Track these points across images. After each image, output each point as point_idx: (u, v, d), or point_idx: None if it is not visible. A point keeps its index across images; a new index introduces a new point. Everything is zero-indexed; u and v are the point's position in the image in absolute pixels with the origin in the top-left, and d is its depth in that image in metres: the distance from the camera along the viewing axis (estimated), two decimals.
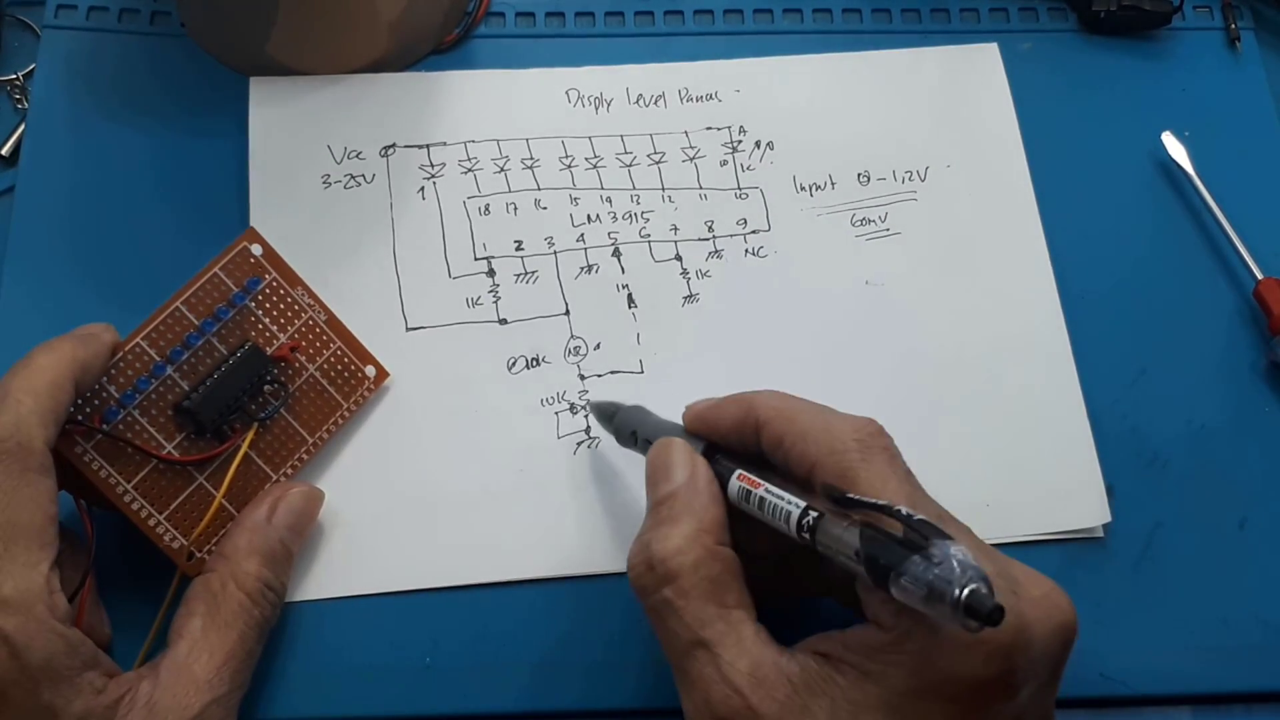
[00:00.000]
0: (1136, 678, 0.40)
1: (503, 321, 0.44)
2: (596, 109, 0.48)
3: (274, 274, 0.41)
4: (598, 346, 0.44)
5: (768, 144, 0.48)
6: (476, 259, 0.45)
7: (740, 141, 0.48)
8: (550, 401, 0.43)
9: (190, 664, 0.34)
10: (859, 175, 0.48)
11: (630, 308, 0.45)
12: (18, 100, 0.47)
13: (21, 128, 0.46)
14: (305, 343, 0.41)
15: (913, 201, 0.47)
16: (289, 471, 0.40)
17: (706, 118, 0.48)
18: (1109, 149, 0.49)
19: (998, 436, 0.43)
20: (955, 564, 0.27)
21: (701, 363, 0.44)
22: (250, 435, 0.39)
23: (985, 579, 0.27)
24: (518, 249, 0.45)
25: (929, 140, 0.49)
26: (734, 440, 0.36)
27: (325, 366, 0.41)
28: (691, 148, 0.48)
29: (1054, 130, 0.49)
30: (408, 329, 0.43)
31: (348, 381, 0.41)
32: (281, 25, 0.45)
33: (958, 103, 0.49)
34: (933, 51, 0.50)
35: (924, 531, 0.28)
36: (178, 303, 0.39)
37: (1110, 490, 0.43)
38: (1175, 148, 0.49)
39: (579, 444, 0.42)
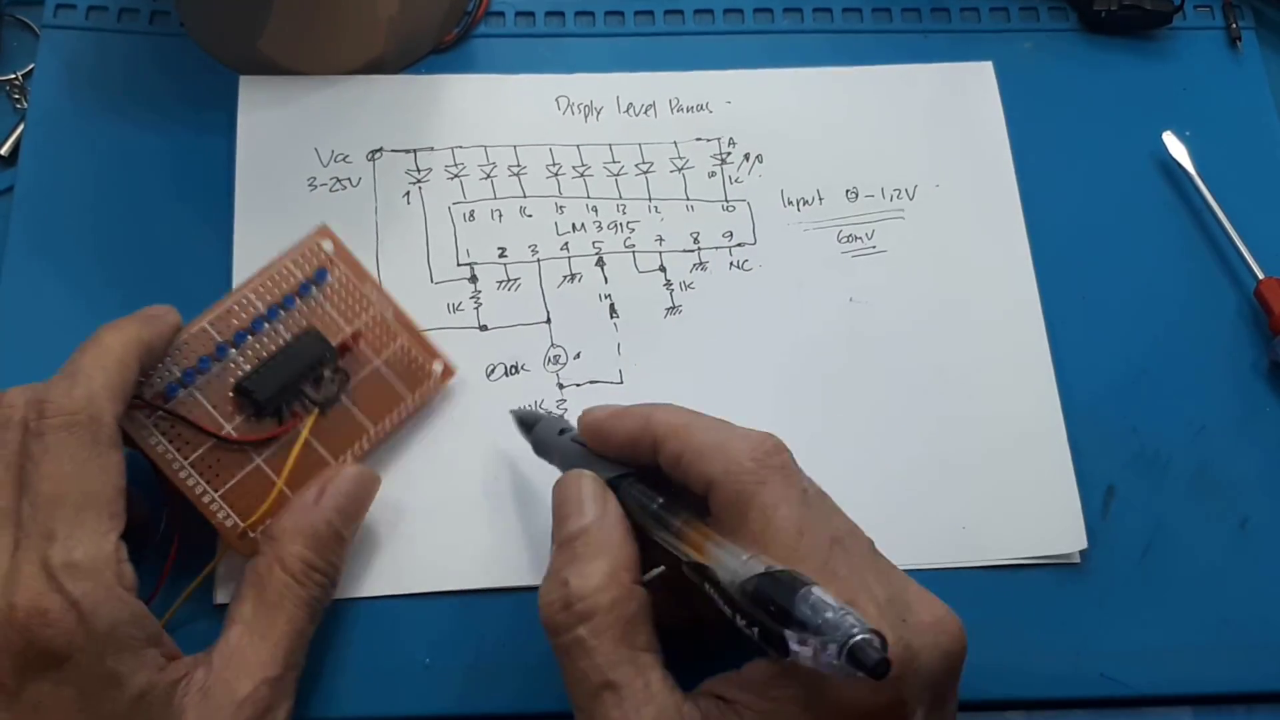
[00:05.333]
0: (1136, 678, 0.40)
1: (483, 328, 0.44)
2: (586, 117, 0.48)
3: (343, 268, 0.41)
4: (578, 356, 0.44)
5: (757, 157, 0.48)
6: (459, 265, 0.44)
7: (729, 153, 0.48)
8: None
9: (242, 647, 0.34)
10: (847, 191, 0.47)
11: (612, 318, 0.44)
12: (17, 100, 0.47)
13: (21, 128, 0.46)
14: (371, 335, 0.41)
15: (900, 220, 0.47)
16: (348, 459, 0.40)
17: (696, 128, 0.48)
18: (1109, 148, 0.49)
19: (977, 459, 0.43)
20: (836, 622, 0.27)
21: (681, 375, 0.44)
22: (311, 421, 0.39)
23: (869, 630, 0.26)
24: (501, 256, 0.45)
25: (919, 159, 0.48)
26: (629, 454, 0.35)
27: (391, 359, 0.41)
28: (680, 158, 0.47)
29: (1054, 130, 0.49)
30: None
31: (414, 375, 0.41)
32: (275, 22, 0.45)
33: (950, 122, 0.49)
34: (926, 69, 0.50)
35: (790, 601, 0.27)
36: (245, 290, 0.39)
37: (1111, 490, 0.43)
38: (1176, 147, 0.48)
39: None
